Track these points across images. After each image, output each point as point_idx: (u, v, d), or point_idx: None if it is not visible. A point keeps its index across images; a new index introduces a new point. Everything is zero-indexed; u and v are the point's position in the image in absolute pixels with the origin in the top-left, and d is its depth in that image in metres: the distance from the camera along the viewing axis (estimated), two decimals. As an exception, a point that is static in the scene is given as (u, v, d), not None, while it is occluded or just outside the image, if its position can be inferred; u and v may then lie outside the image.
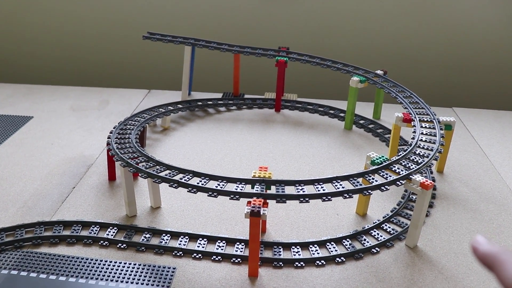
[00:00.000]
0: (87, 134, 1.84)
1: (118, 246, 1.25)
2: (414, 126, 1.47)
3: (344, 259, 1.22)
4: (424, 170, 1.25)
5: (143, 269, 1.17)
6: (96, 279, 1.14)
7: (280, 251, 1.23)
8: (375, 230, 1.32)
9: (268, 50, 2.00)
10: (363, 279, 1.16)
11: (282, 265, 1.19)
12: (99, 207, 1.41)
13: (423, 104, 1.60)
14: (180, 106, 1.95)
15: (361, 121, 1.94)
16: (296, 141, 1.81)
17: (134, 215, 1.37)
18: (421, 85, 2.43)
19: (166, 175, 1.22)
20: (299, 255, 1.22)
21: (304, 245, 1.26)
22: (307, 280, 1.15)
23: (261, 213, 1.07)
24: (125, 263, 1.19)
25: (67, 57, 2.59)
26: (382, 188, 1.15)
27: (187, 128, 1.89)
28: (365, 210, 1.39)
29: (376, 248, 1.25)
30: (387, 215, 1.38)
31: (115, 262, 1.19)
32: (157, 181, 1.21)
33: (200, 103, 2.04)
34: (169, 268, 1.18)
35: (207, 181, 1.18)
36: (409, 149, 1.32)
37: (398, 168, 1.23)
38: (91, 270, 1.17)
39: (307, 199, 1.10)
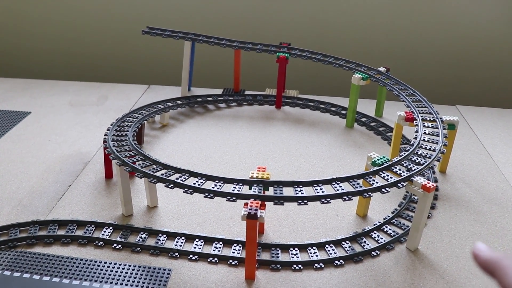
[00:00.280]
0: (85, 130, 1.82)
1: (113, 246, 1.23)
2: (417, 125, 1.44)
3: (343, 262, 1.19)
4: (426, 171, 1.22)
5: (138, 270, 1.15)
6: (90, 280, 1.12)
7: (278, 253, 1.21)
8: (375, 232, 1.29)
9: (269, 46, 1.97)
10: (362, 283, 1.13)
11: (280, 267, 1.17)
12: (95, 205, 1.38)
13: (426, 102, 1.57)
14: (179, 102, 1.92)
15: (363, 119, 1.91)
16: (296, 139, 1.78)
17: (130, 214, 1.34)
18: (424, 83, 2.40)
19: (162, 174, 1.19)
20: (298, 257, 1.20)
21: (303, 247, 1.23)
22: (305, 284, 1.13)
23: (258, 216, 1.04)
24: (119, 264, 1.17)
25: (66, 52, 2.56)
26: (383, 190, 1.12)
27: (186, 125, 1.86)
28: (366, 211, 1.37)
29: (376, 251, 1.23)
30: (388, 216, 1.35)
31: (110, 263, 1.17)
32: (153, 181, 1.18)
33: (199, 99, 2.01)
34: (164, 269, 1.16)
35: (203, 182, 1.16)
36: (411, 150, 1.29)
37: (399, 169, 1.20)
38: (85, 272, 1.14)
39: (306, 201, 1.08)
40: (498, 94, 2.41)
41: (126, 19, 2.44)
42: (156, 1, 2.39)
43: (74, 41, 2.53)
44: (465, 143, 1.79)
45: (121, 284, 1.11)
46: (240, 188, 1.12)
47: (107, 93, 2.16)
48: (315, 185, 1.13)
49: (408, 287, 1.12)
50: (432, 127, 1.43)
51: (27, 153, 1.65)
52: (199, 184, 1.14)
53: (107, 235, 1.26)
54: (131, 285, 1.11)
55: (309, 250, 1.22)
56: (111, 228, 1.28)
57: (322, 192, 1.11)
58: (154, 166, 1.25)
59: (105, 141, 1.39)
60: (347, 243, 1.25)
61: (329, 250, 1.22)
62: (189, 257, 1.20)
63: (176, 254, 1.21)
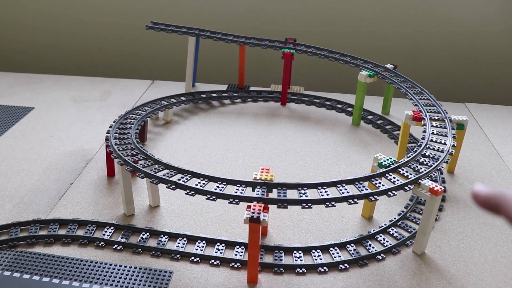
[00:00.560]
0: (88, 126, 1.80)
1: (114, 247, 1.21)
2: (425, 125, 1.41)
3: (347, 266, 1.17)
4: (433, 173, 1.19)
5: (138, 272, 1.13)
6: (90, 282, 1.10)
7: (282, 256, 1.19)
8: (381, 234, 1.26)
9: (274, 42, 1.94)
10: (366, 287, 1.11)
11: (283, 271, 1.15)
12: (97, 204, 1.37)
13: (434, 101, 1.54)
14: (183, 98, 1.89)
15: (370, 117, 1.88)
16: (301, 137, 1.75)
17: (132, 214, 1.33)
18: (432, 79, 2.36)
19: (164, 175, 1.17)
20: (301, 260, 1.17)
21: (307, 250, 1.21)
22: (309, 288, 1.10)
23: (261, 219, 1.02)
24: (120, 266, 1.15)
25: (70, 46, 2.54)
26: (389, 193, 1.09)
27: (189, 122, 1.84)
28: (371, 213, 1.34)
29: (382, 255, 1.20)
30: (394, 218, 1.32)
31: (111, 265, 1.15)
32: (154, 182, 1.16)
33: (204, 95, 1.98)
34: (165, 272, 1.14)
35: (206, 183, 1.14)
36: (418, 151, 1.26)
37: (406, 172, 1.17)
38: (85, 273, 1.13)
39: (310, 204, 1.05)
40: (508, 92, 2.37)
41: (130, 13, 2.41)
42: (161, -5, 2.36)
43: (78, 36, 2.51)
44: (474, 142, 1.76)
45: (121, 286, 1.09)
46: (243, 190, 1.10)
47: (111, 88, 2.14)
48: (320, 188, 1.11)
49: (414, 293, 1.10)
50: (440, 127, 1.40)
51: (29, 150, 1.63)
52: (201, 186, 1.12)
53: (108, 235, 1.24)
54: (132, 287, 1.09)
55: (313, 253, 1.20)
56: (112, 228, 1.26)
57: (327, 195, 1.08)
58: (156, 165, 1.23)
59: (107, 139, 1.37)
60: (352, 246, 1.22)
61: (333, 253, 1.20)
62: (190, 259, 1.18)
63: (178, 255, 1.19)
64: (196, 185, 1.12)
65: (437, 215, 1.34)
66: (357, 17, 2.30)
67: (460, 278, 1.14)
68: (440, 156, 1.24)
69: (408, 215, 1.34)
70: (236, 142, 1.70)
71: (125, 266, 1.15)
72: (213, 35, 1.94)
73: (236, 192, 1.09)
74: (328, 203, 1.06)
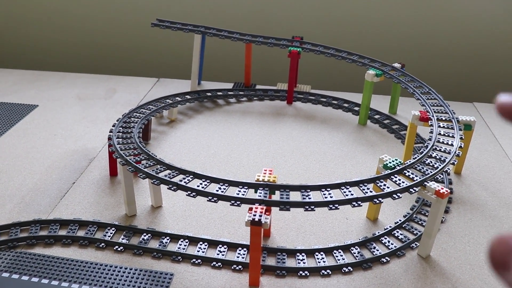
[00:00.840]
0: (92, 125, 1.79)
1: (115, 248, 1.20)
2: (432, 125, 1.38)
3: (351, 269, 1.15)
4: (440, 175, 1.17)
5: (139, 274, 1.12)
6: (90, 284, 1.09)
7: (284, 258, 1.17)
8: (386, 237, 1.24)
9: (281, 40, 1.91)
10: (371, 292, 1.09)
11: (286, 274, 1.13)
12: (98, 204, 1.35)
13: (441, 101, 1.51)
14: (188, 97, 1.88)
15: (376, 116, 1.86)
16: (307, 136, 1.73)
17: (134, 214, 1.31)
18: (440, 79, 2.33)
19: (166, 175, 1.15)
20: (304, 263, 1.15)
21: (310, 252, 1.19)
22: (311, 291, 1.09)
23: (263, 222, 1.00)
24: (120, 268, 1.14)
25: (75, 43, 2.53)
26: (394, 196, 1.07)
27: (194, 121, 1.82)
28: (376, 214, 1.32)
29: (386, 258, 1.18)
30: (399, 220, 1.30)
31: (111, 266, 1.14)
32: (155, 183, 1.15)
33: (209, 93, 1.96)
34: (166, 274, 1.12)
35: (208, 184, 1.12)
36: (424, 152, 1.24)
37: (412, 173, 1.15)
38: (85, 275, 1.12)
39: (313, 207, 1.03)
40: (517, 91, 2.33)
41: (135, 10, 2.40)
42: (166, -8, 2.34)
43: (83, 32, 2.50)
44: (481, 143, 1.73)
45: (122, 288, 1.08)
46: (245, 191, 1.08)
47: (116, 86, 2.12)
48: (323, 190, 1.09)
49: (419, 297, 1.07)
50: (447, 127, 1.37)
51: (32, 148, 1.62)
52: (203, 187, 1.10)
53: (109, 237, 1.23)
54: (132, 290, 1.08)
55: (316, 255, 1.18)
56: (113, 229, 1.25)
57: (331, 197, 1.06)
58: (158, 166, 1.21)
59: (109, 138, 1.36)
60: (356, 249, 1.20)
61: (337, 256, 1.18)
62: (192, 261, 1.16)
63: (179, 257, 1.17)
64: (198, 186, 1.11)
65: (443, 217, 1.32)
66: (364, 16, 2.27)
67: (466, 282, 1.11)
68: (446, 158, 1.21)
69: (414, 217, 1.32)
70: (241, 142, 1.69)
71: (125, 268, 1.14)
72: (219, 33, 1.93)
73: (238, 194, 1.07)
74: (331, 206, 1.04)
